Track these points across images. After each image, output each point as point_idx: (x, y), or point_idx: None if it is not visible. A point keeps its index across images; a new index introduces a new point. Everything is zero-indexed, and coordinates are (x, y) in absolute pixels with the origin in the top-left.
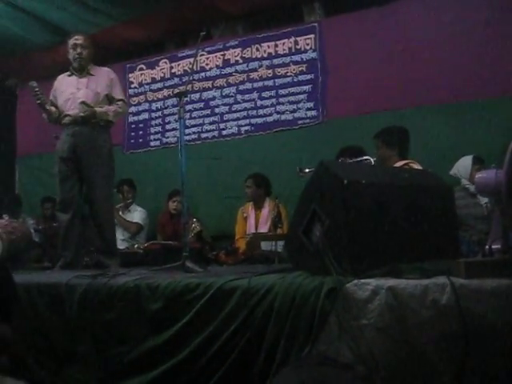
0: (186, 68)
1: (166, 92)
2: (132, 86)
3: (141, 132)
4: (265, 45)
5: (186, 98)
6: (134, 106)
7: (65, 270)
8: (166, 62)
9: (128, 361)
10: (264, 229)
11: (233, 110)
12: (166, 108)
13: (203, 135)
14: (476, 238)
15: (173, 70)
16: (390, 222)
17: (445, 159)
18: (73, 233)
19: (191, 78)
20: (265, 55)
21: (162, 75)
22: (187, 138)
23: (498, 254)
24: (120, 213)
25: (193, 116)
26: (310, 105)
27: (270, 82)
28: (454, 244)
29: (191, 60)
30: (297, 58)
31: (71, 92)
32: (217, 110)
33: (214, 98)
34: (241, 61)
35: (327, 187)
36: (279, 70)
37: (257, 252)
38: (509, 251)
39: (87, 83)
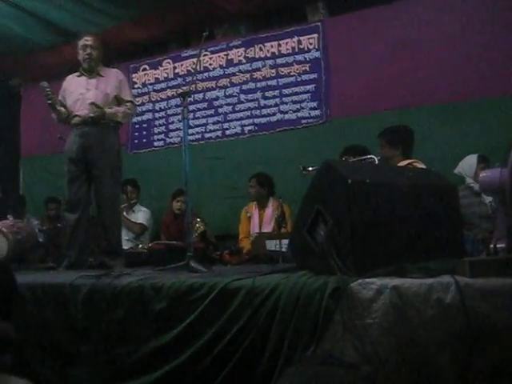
0: (190, 68)
1: (169, 92)
2: (135, 86)
3: (144, 132)
4: (268, 44)
5: (189, 98)
6: (138, 106)
7: (69, 270)
8: (169, 63)
9: (132, 361)
10: (268, 228)
11: (236, 109)
12: (169, 108)
13: (207, 135)
14: (480, 236)
15: (176, 70)
16: (394, 221)
17: (448, 158)
18: (79, 233)
19: (194, 78)
20: (268, 55)
21: (166, 75)
22: (191, 137)
23: (503, 253)
24: (124, 213)
25: (196, 116)
26: (314, 104)
27: (274, 82)
28: (459, 243)
29: (194, 60)
30: (300, 57)
31: (80, 92)
32: (220, 110)
33: (217, 98)
34: (244, 61)
35: (331, 187)
36: (282, 69)
37: (262, 252)
38: None
39: (97, 84)
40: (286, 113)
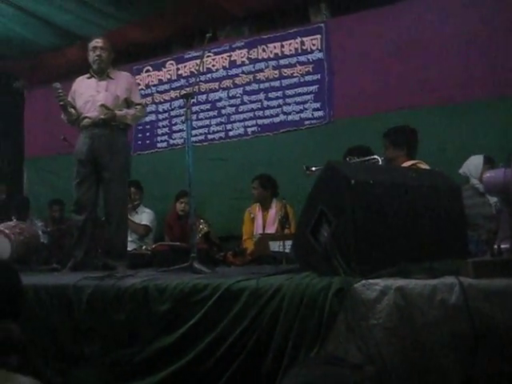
0: (193, 69)
1: (172, 93)
2: (139, 87)
3: (148, 133)
4: (271, 45)
5: (192, 100)
6: None
7: (75, 270)
8: (172, 64)
9: (136, 362)
10: (271, 229)
11: (239, 110)
12: (172, 109)
13: (210, 136)
14: (484, 237)
15: (179, 72)
16: (397, 221)
17: (451, 159)
18: (86, 234)
19: (198, 80)
20: (271, 56)
21: (169, 77)
22: (194, 139)
23: (507, 254)
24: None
25: (199, 117)
26: (317, 105)
27: (277, 83)
28: (463, 243)
29: (198, 61)
30: (303, 58)
31: (90, 94)
32: (223, 111)
33: (220, 99)
34: (247, 62)
35: (335, 187)
36: (285, 70)
37: (265, 253)
38: None
39: (107, 86)
40: (289, 114)
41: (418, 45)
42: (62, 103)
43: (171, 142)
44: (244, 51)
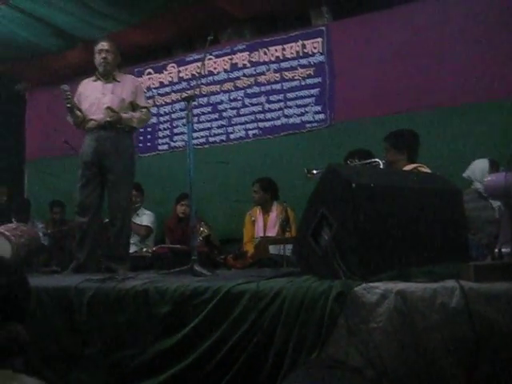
0: (194, 72)
1: (173, 96)
2: None
3: (149, 136)
4: (272, 48)
5: (193, 102)
6: None
7: (77, 272)
8: (173, 67)
9: (136, 364)
10: (272, 232)
11: (241, 113)
12: (174, 112)
13: (211, 139)
14: (485, 241)
15: (181, 74)
16: (398, 225)
17: (452, 162)
18: (88, 236)
19: (199, 82)
20: (272, 59)
21: (170, 79)
22: (195, 141)
23: (508, 258)
24: None
25: (201, 120)
26: (318, 108)
27: (278, 86)
28: (464, 247)
29: (199, 64)
30: (304, 61)
31: (96, 97)
32: (225, 114)
33: (221, 102)
34: (248, 65)
35: (335, 190)
36: (287, 73)
37: (266, 256)
38: None
39: (113, 89)
40: (291, 117)
41: (419, 48)
42: (69, 105)
43: (172, 144)
44: (245, 54)
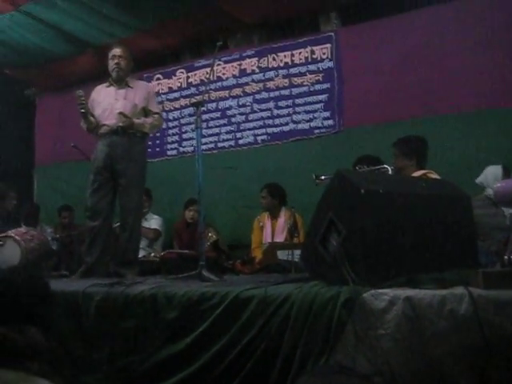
0: (203, 78)
1: (182, 101)
2: None
3: (158, 141)
4: (281, 54)
5: (202, 108)
6: None
7: (85, 276)
8: (182, 72)
9: (144, 369)
10: (280, 238)
11: (249, 119)
12: (182, 117)
13: (220, 144)
14: (495, 247)
15: (189, 80)
16: (407, 231)
17: (463, 168)
18: (98, 241)
19: (208, 88)
20: (281, 65)
21: (179, 85)
22: (204, 147)
23: None
24: None
25: (209, 125)
26: (327, 114)
27: (287, 92)
28: (473, 254)
29: (208, 70)
30: (313, 67)
31: (109, 102)
32: (233, 120)
33: (230, 108)
34: (257, 70)
35: (344, 196)
36: (295, 79)
37: (274, 261)
38: None
39: (125, 94)
40: (299, 122)
41: (428, 53)
42: (83, 111)
43: (181, 149)
44: (254, 60)
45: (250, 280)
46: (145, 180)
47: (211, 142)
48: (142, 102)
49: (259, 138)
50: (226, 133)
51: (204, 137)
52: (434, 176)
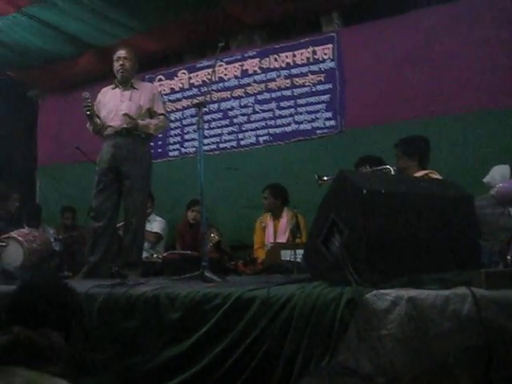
0: (205, 78)
1: (184, 102)
2: None
3: (160, 142)
4: (283, 55)
5: (204, 109)
6: None
7: (88, 276)
8: (184, 73)
9: (146, 370)
10: (282, 239)
11: (251, 119)
12: (184, 118)
13: (222, 145)
14: (498, 247)
15: (191, 81)
16: (409, 231)
17: (466, 168)
18: (102, 241)
19: (210, 89)
20: (283, 65)
21: (181, 86)
22: (206, 148)
23: None
24: None
25: (211, 126)
26: (329, 114)
27: (288, 92)
28: (475, 254)
29: (210, 70)
30: (315, 67)
31: (114, 104)
32: (235, 120)
33: (232, 108)
34: (259, 71)
35: (346, 197)
36: (297, 79)
37: (276, 262)
38: None
39: (130, 96)
40: (301, 123)
41: (430, 54)
42: (88, 113)
43: (183, 150)
44: (256, 60)
45: (252, 281)
46: (149, 181)
47: (213, 143)
48: (147, 104)
49: (261, 139)
50: (228, 133)
51: (206, 137)
52: (436, 176)
